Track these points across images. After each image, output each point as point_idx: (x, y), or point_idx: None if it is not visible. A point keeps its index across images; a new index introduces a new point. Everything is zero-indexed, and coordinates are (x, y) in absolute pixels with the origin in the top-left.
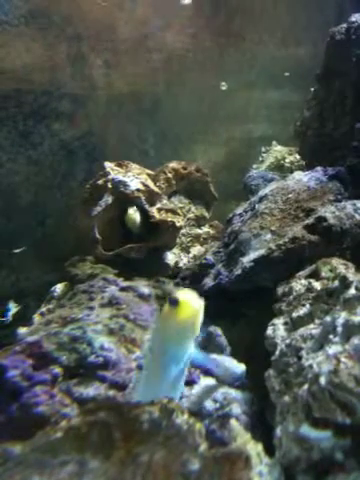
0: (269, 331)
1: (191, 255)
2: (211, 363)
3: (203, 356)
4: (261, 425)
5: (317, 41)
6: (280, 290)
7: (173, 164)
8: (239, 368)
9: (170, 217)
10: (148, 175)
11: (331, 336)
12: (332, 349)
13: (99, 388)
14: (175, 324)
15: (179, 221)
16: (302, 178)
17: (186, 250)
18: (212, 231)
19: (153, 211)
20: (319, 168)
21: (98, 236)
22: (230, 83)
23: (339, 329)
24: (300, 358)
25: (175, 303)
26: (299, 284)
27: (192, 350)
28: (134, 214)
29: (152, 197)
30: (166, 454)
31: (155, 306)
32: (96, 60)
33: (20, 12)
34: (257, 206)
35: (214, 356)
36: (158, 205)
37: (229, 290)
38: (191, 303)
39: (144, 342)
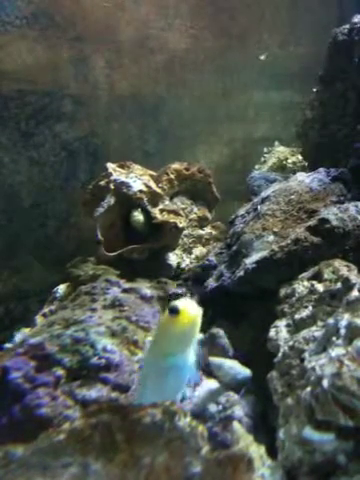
0: (272, 333)
1: (193, 256)
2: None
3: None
4: (264, 427)
5: (319, 42)
6: (283, 292)
7: (175, 165)
8: (245, 373)
9: (172, 218)
10: (150, 176)
11: (334, 338)
12: (335, 351)
13: (102, 390)
14: (176, 332)
15: (181, 222)
16: (304, 179)
17: (188, 251)
18: (214, 232)
19: (155, 212)
20: (322, 169)
21: (100, 237)
22: (231, 83)
23: (342, 331)
24: (303, 360)
25: (176, 311)
26: (302, 286)
27: (192, 359)
28: (138, 216)
29: (154, 198)
30: (168, 457)
31: (157, 308)
32: (98, 61)
33: (22, 13)
34: (259, 207)
35: (220, 360)
36: (160, 206)
37: (231, 291)
38: (190, 310)
39: (145, 344)
